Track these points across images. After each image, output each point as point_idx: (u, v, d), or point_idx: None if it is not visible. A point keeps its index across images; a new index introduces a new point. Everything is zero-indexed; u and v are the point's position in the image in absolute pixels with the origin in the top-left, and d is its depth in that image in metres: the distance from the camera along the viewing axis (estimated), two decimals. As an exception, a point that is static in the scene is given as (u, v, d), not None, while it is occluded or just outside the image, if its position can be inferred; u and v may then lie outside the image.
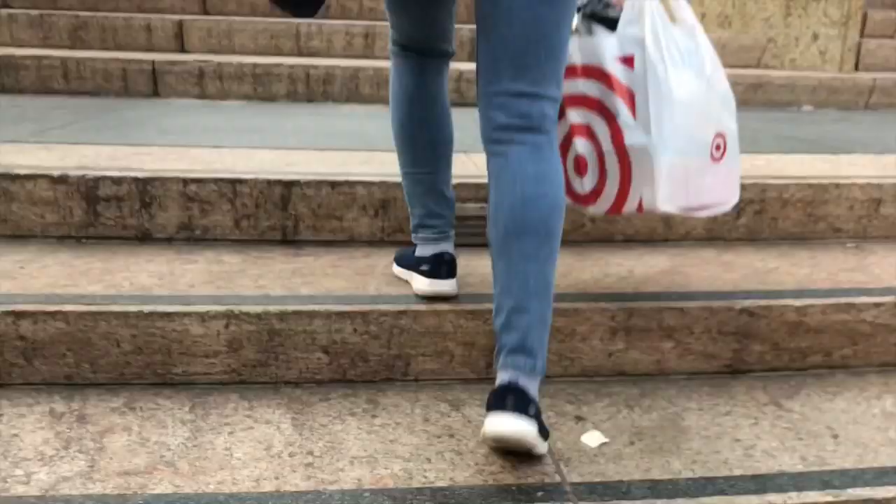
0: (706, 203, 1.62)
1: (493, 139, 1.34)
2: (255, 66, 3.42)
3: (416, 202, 1.64)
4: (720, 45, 4.31)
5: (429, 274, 1.58)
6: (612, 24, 1.58)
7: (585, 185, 1.63)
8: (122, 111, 2.98)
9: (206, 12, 4.21)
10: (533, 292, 1.31)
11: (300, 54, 3.85)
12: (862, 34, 4.45)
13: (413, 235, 1.66)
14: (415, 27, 1.54)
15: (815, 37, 4.23)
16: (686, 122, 1.53)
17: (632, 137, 1.53)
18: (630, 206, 1.58)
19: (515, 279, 1.31)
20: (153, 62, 3.39)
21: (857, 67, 4.31)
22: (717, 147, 1.60)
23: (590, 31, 1.60)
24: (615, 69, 1.55)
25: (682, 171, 1.55)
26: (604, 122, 1.58)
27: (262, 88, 3.45)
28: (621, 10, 1.58)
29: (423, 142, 1.60)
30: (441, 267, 1.59)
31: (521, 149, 1.32)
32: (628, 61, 1.54)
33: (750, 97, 3.89)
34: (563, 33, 1.32)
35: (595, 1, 1.60)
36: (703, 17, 4.49)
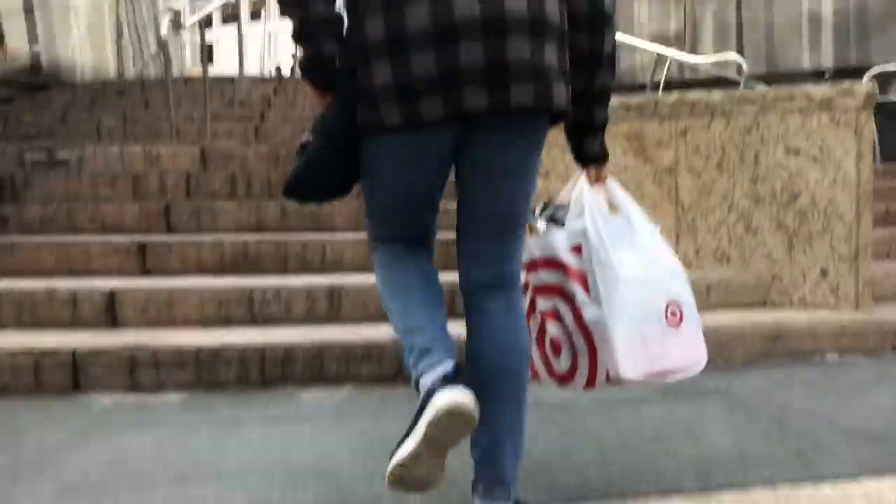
0: (671, 368, 1.78)
1: (472, 293, 1.67)
2: (198, 350, 2.87)
3: (414, 334, 1.65)
4: (722, 285, 3.93)
5: (449, 383, 1.49)
6: (561, 221, 1.85)
7: (562, 364, 1.85)
8: (23, 434, 2.37)
9: (145, 271, 3.72)
10: (507, 429, 1.60)
11: (254, 322, 3.32)
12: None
13: (419, 376, 1.57)
14: (404, 228, 1.71)
15: (825, 273, 3.86)
16: (634, 294, 1.74)
17: (588, 313, 1.76)
18: (601, 377, 1.79)
19: (492, 418, 1.55)
20: (74, 353, 2.82)
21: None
22: (673, 314, 1.80)
23: (545, 230, 1.87)
24: (568, 258, 1.81)
25: (638, 338, 1.73)
26: (565, 303, 1.82)
27: (207, 375, 2.88)
28: (568, 205, 1.86)
29: (421, 307, 1.67)
30: (457, 377, 1.52)
31: (496, 304, 1.65)
32: (577, 250, 1.79)
33: (770, 348, 3.44)
34: (526, 204, 1.68)
35: (552, 207, 1.87)
36: (697, 254, 4.14)
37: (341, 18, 1.60)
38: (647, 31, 12.06)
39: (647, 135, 4.18)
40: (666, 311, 1.78)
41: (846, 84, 3.96)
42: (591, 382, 1.81)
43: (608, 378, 1.77)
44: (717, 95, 4.07)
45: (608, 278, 1.74)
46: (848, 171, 3.82)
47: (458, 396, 1.44)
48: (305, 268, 3.81)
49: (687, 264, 4.20)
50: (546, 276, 1.86)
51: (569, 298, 1.80)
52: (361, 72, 1.55)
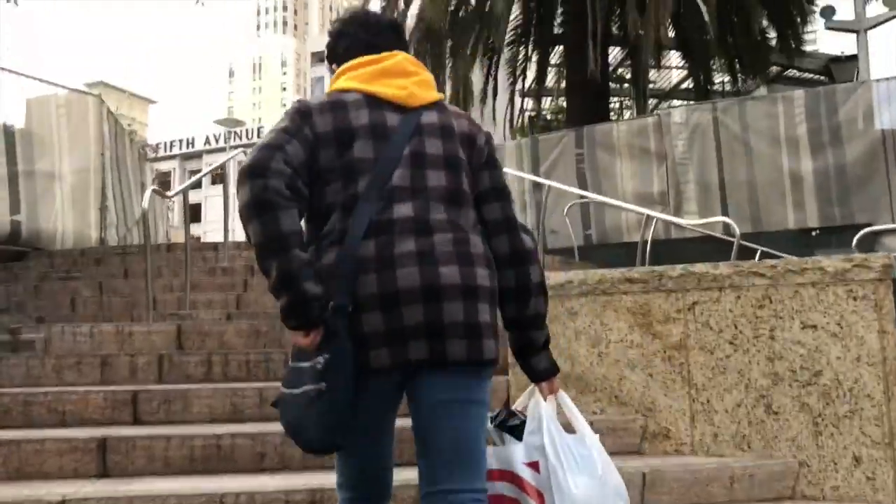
0: None
1: None
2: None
3: None
4: (746, 475, 3.54)
5: None
6: (518, 432, 1.99)
7: None
8: None
9: (104, 472, 3.31)
10: None
11: (224, 535, 2.90)
12: None
13: None
14: (360, 444, 1.91)
15: (857, 460, 3.51)
16: None
17: None
18: None
19: None
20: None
21: None
22: None
23: (502, 441, 2.00)
24: (524, 473, 1.95)
25: None
26: None
27: None
28: (524, 416, 2.01)
29: None
30: None
31: None
32: (534, 466, 1.93)
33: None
34: (483, 439, 1.92)
35: (503, 412, 2.01)
36: (716, 438, 3.79)
37: (312, 263, 1.83)
38: (631, 190, 12.18)
39: (652, 309, 3.94)
40: None
41: (860, 256, 3.77)
42: None
43: None
44: (724, 268, 3.86)
45: (563, 498, 1.89)
46: (872, 346, 3.55)
47: None
48: (285, 465, 3.42)
49: (704, 450, 3.88)
50: (502, 488, 1.98)
51: None
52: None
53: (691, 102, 18.44)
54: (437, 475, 1.85)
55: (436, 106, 2.03)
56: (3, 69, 9.39)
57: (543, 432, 1.95)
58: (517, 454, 1.98)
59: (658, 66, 18.61)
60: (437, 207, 1.90)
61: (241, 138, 67.09)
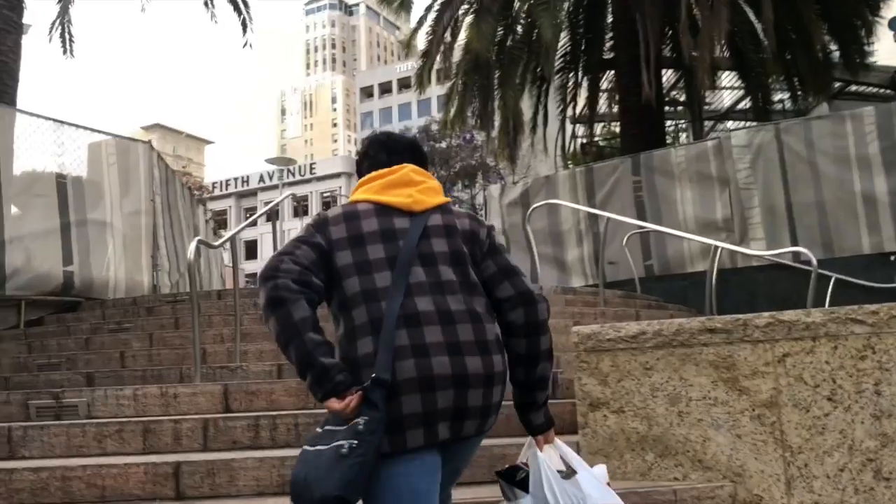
0: None
1: None
2: None
3: None
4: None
5: None
6: (524, 484, 2.21)
7: None
8: None
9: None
10: None
11: None
12: None
13: None
14: None
15: None
16: None
17: None
18: None
19: None
20: None
21: None
22: None
23: (514, 494, 2.23)
24: None
25: None
26: None
27: None
28: (528, 469, 2.24)
29: None
30: None
31: None
32: None
33: None
34: None
35: (512, 470, 2.26)
36: (817, 508, 3.36)
37: (328, 343, 2.04)
38: (693, 217, 11.70)
39: (738, 362, 3.54)
40: None
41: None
42: None
43: None
44: (818, 315, 3.45)
45: None
46: None
47: None
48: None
49: (805, 522, 3.47)
50: None
51: None
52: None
53: (749, 123, 17.91)
54: None
55: (440, 209, 2.29)
56: (53, 120, 9.42)
57: (543, 484, 2.16)
58: None
59: (713, 87, 18.10)
60: (453, 299, 2.13)
61: (293, 175, 68.02)
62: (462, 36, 15.24)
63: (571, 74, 17.69)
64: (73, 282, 8.93)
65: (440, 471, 2.12)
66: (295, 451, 3.77)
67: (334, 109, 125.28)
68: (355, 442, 1.90)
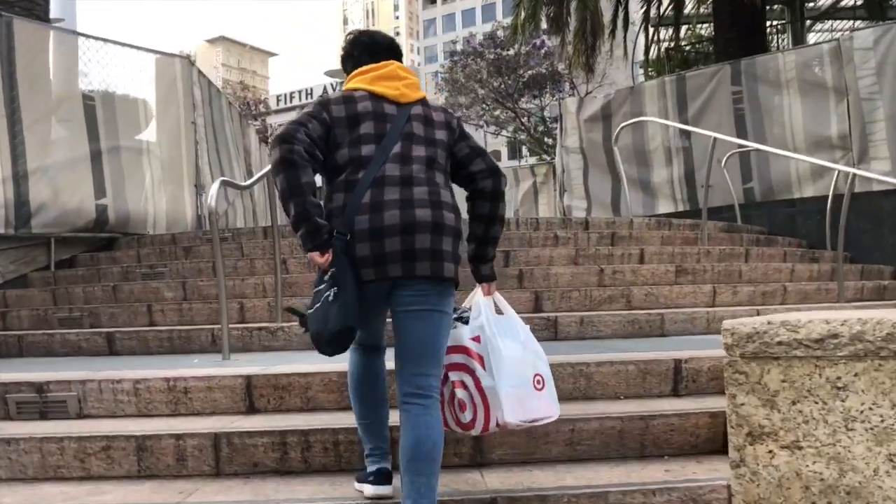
0: (537, 417, 2.73)
1: (403, 400, 2.56)
2: None
3: (366, 438, 2.83)
4: None
5: (374, 482, 2.76)
6: (465, 320, 2.76)
7: (466, 417, 2.70)
8: None
9: None
10: (423, 495, 2.43)
11: None
12: None
13: (365, 460, 2.84)
14: (361, 326, 2.63)
15: None
16: (514, 369, 2.68)
17: (485, 382, 2.66)
18: (492, 425, 2.67)
19: (413, 488, 2.43)
20: None
21: None
22: (538, 382, 2.76)
23: (455, 326, 2.72)
24: (470, 345, 2.71)
25: (515, 398, 2.65)
26: (469, 376, 2.70)
27: None
28: (469, 310, 2.79)
29: (369, 396, 2.82)
30: (381, 478, 2.77)
31: (418, 409, 2.53)
32: (477, 339, 2.71)
33: None
34: (442, 340, 2.64)
35: (459, 310, 2.78)
36: None
37: (321, 206, 2.58)
38: (803, 134, 10.13)
39: None
40: (533, 380, 2.74)
41: None
42: (485, 429, 2.69)
43: (497, 424, 2.65)
44: None
45: (497, 358, 2.67)
46: None
47: (381, 490, 2.74)
48: None
49: None
50: (456, 358, 2.73)
51: (471, 372, 2.69)
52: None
53: (858, 23, 15.83)
54: (406, 363, 2.59)
55: (421, 102, 2.77)
56: (81, 34, 8.39)
57: (482, 316, 2.74)
58: (465, 332, 2.73)
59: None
60: (418, 169, 2.62)
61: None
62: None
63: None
64: (107, 216, 8.05)
65: (386, 299, 2.61)
66: (337, 482, 2.79)
67: (396, 17, 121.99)
68: (335, 288, 2.49)
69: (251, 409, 3.50)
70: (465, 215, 2.77)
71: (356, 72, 2.80)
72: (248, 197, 11.81)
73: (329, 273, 2.50)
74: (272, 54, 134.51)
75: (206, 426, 3.19)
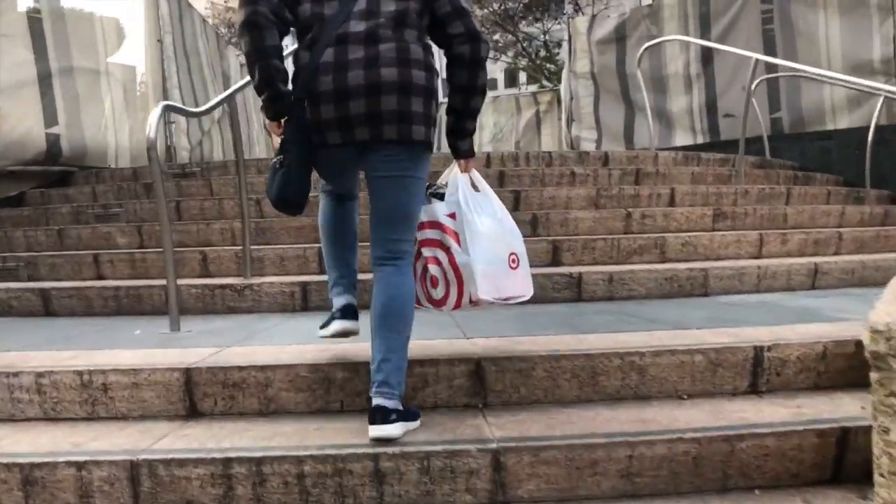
0: (511, 295, 2.72)
1: (375, 263, 2.50)
2: None
3: (332, 270, 2.80)
4: None
5: (340, 318, 2.74)
6: (441, 196, 2.71)
7: (438, 293, 2.70)
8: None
9: None
10: (393, 350, 2.38)
11: None
12: None
13: (329, 291, 2.82)
14: (333, 183, 2.74)
15: None
16: (489, 246, 2.65)
17: (460, 258, 2.63)
18: (465, 301, 2.66)
19: (383, 342, 2.39)
20: None
21: None
22: (513, 261, 2.75)
23: (429, 202, 2.70)
24: (445, 221, 2.67)
25: (491, 274, 2.63)
26: (443, 252, 2.67)
27: None
28: (446, 186, 2.73)
29: (338, 238, 2.80)
30: (348, 312, 2.76)
31: (391, 269, 2.47)
32: (452, 216, 2.67)
33: None
34: (415, 205, 2.55)
35: (434, 186, 2.72)
36: None
37: (286, 71, 2.46)
38: (840, 57, 9.10)
39: None
40: (508, 258, 2.73)
41: None
42: (457, 305, 2.68)
43: (470, 301, 2.65)
44: None
45: (473, 234, 2.62)
46: None
47: (347, 325, 2.73)
48: None
49: None
50: (430, 234, 2.70)
51: (445, 248, 2.66)
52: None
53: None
54: (379, 227, 2.51)
55: None
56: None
57: (458, 192, 2.67)
58: (440, 208, 2.68)
59: None
60: (385, 25, 2.42)
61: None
62: None
63: None
64: (59, 148, 7.08)
65: (356, 161, 2.53)
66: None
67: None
68: (281, 157, 2.47)
69: (192, 413, 2.62)
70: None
71: None
72: (229, 126, 10.76)
73: (282, 139, 2.48)
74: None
75: (121, 446, 2.31)
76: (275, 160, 2.48)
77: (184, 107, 4.82)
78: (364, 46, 2.39)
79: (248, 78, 5.42)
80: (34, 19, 6.97)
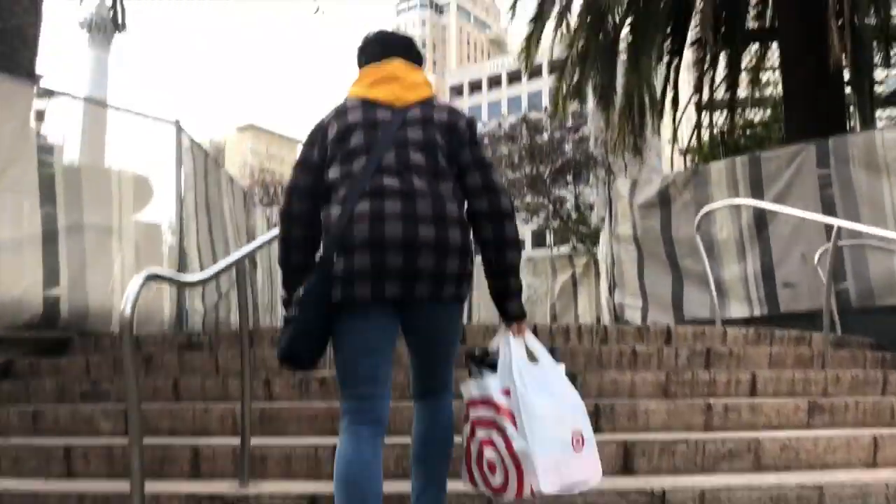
0: (578, 481, 2.50)
1: (415, 397, 2.64)
2: None
3: None
4: None
5: None
6: (493, 367, 2.52)
7: (496, 480, 2.49)
8: None
9: None
10: (432, 481, 2.55)
11: None
12: None
13: None
14: (362, 368, 2.53)
15: None
16: (550, 429, 2.42)
17: (516, 444, 2.41)
18: (526, 492, 2.43)
19: (422, 474, 2.56)
20: None
21: None
22: (577, 441, 2.48)
23: (481, 374, 2.54)
24: (500, 399, 2.46)
25: (553, 464, 2.41)
26: (498, 434, 2.46)
27: None
28: (497, 355, 2.54)
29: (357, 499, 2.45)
30: None
31: (432, 397, 2.60)
32: (507, 393, 2.46)
33: None
34: (452, 352, 2.60)
35: (481, 351, 2.59)
36: None
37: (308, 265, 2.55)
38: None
39: None
40: (572, 440, 2.47)
41: None
42: (518, 494, 2.44)
43: (532, 492, 2.41)
44: None
45: (530, 417, 2.39)
46: None
47: None
48: None
49: None
50: (483, 412, 2.51)
51: (501, 430, 2.44)
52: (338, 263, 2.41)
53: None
54: (418, 373, 2.61)
55: (421, 103, 2.59)
56: (48, 91, 6.97)
57: (513, 365, 2.46)
58: (493, 384, 2.48)
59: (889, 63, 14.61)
60: (418, 179, 2.43)
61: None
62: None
63: (701, 50, 14.33)
64: (58, 311, 6.42)
65: (394, 332, 2.49)
66: None
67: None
68: (295, 310, 2.41)
69: None
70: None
71: (357, 76, 2.71)
72: (248, 288, 10.15)
73: (299, 293, 2.45)
74: (300, 142, 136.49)
75: None
76: (288, 315, 2.46)
77: (175, 275, 4.12)
78: (402, 200, 2.40)
79: (250, 245, 4.80)
80: (46, 174, 6.52)
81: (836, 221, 6.27)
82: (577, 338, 5.73)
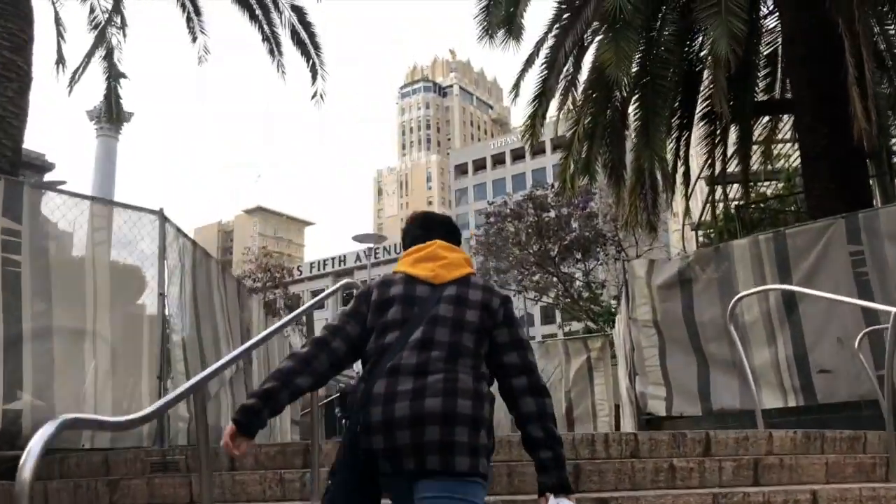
0: None
1: None
2: None
3: None
4: None
5: None
6: None
7: None
8: None
9: None
10: None
11: None
12: None
13: None
14: None
15: None
16: None
17: None
18: None
19: None
20: None
21: None
22: None
23: None
24: None
25: None
26: None
27: None
28: None
29: None
30: None
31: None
32: None
33: None
34: None
35: None
36: None
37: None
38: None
39: None
40: None
41: None
42: None
43: None
44: None
45: None
46: None
47: None
48: None
49: None
50: None
51: None
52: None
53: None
54: None
55: (458, 281, 2.72)
56: (27, 183, 6.45)
57: None
58: None
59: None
60: (438, 357, 2.52)
61: (389, 253, 65.84)
62: (587, 60, 11.76)
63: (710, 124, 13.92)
64: (19, 426, 5.72)
65: (410, 492, 2.46)
66: None
67: (429, 188, 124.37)
68: (329, 482, 2.59)
69: None
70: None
71: (403, 254, 2.89)
72: (244, 387, 9.44)
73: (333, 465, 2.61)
74: (308, 223, 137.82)
75: None
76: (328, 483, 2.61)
77: (99, 417, 3.45)
78: (413, 378, 2.49)
79: (207, 370, 4.10)
80: (10, 273, 5.93)
81: (876, 306, 5.59)
82: (605, 449, 4.99)
